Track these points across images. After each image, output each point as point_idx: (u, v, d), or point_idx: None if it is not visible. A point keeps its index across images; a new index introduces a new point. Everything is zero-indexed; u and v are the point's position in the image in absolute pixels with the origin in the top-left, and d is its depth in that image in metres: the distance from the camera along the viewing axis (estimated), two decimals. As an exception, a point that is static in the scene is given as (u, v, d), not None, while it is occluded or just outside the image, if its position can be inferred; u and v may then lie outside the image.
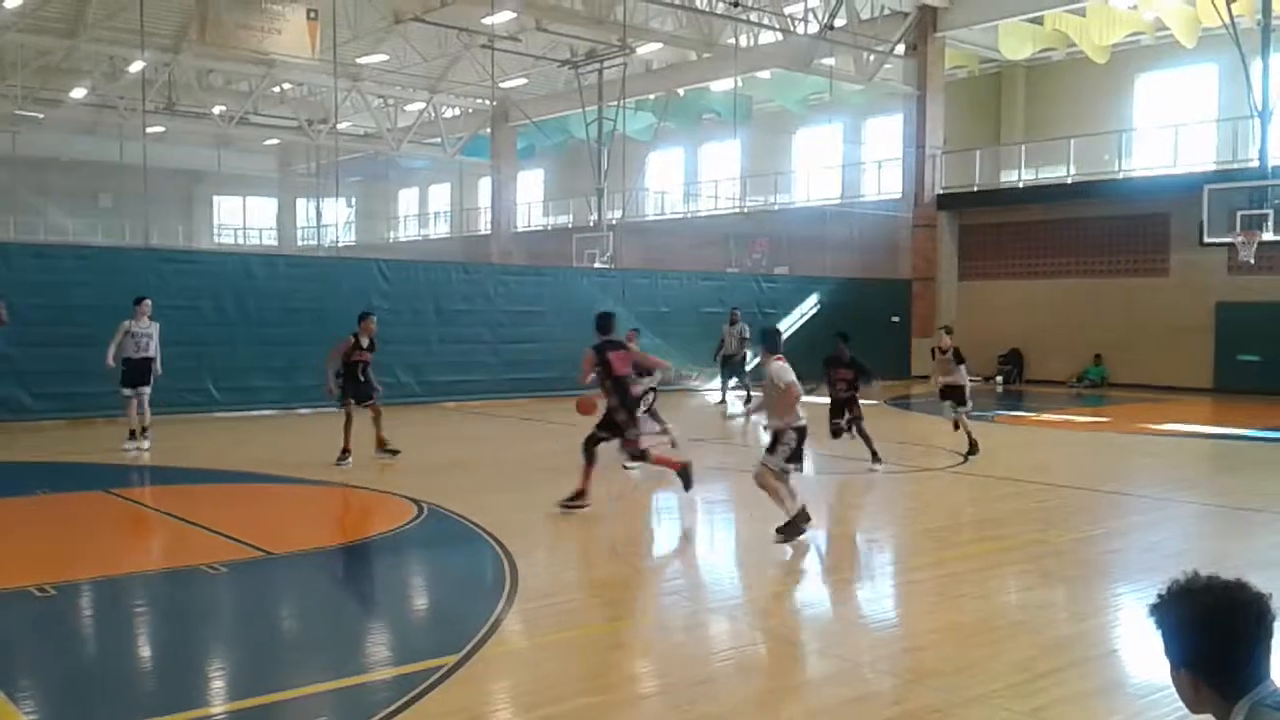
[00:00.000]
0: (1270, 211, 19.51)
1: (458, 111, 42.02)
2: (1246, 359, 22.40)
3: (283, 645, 6.08)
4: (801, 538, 8.11)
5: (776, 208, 34.39)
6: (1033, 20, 26.66)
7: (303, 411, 17.34)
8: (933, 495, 11.20)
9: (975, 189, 28.14)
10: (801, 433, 8.17)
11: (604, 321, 9.70)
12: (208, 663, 5.68)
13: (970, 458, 12.72)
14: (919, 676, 5.34)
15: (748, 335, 19.84)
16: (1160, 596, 2.34)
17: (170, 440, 13.87)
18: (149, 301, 13.40)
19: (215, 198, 52.81)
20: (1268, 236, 19.61)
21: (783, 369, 8.18)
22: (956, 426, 13.15)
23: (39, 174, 42.61)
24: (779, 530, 8.05)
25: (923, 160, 27.92)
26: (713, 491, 10.81)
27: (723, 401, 20.21)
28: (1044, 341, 26.38)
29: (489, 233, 41.49)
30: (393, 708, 4.69)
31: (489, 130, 39.93)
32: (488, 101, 38.24)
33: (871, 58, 27.95)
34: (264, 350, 17.59)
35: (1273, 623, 2.25)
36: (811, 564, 8.22)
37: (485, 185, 43.53)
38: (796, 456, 8.21)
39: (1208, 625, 2.25)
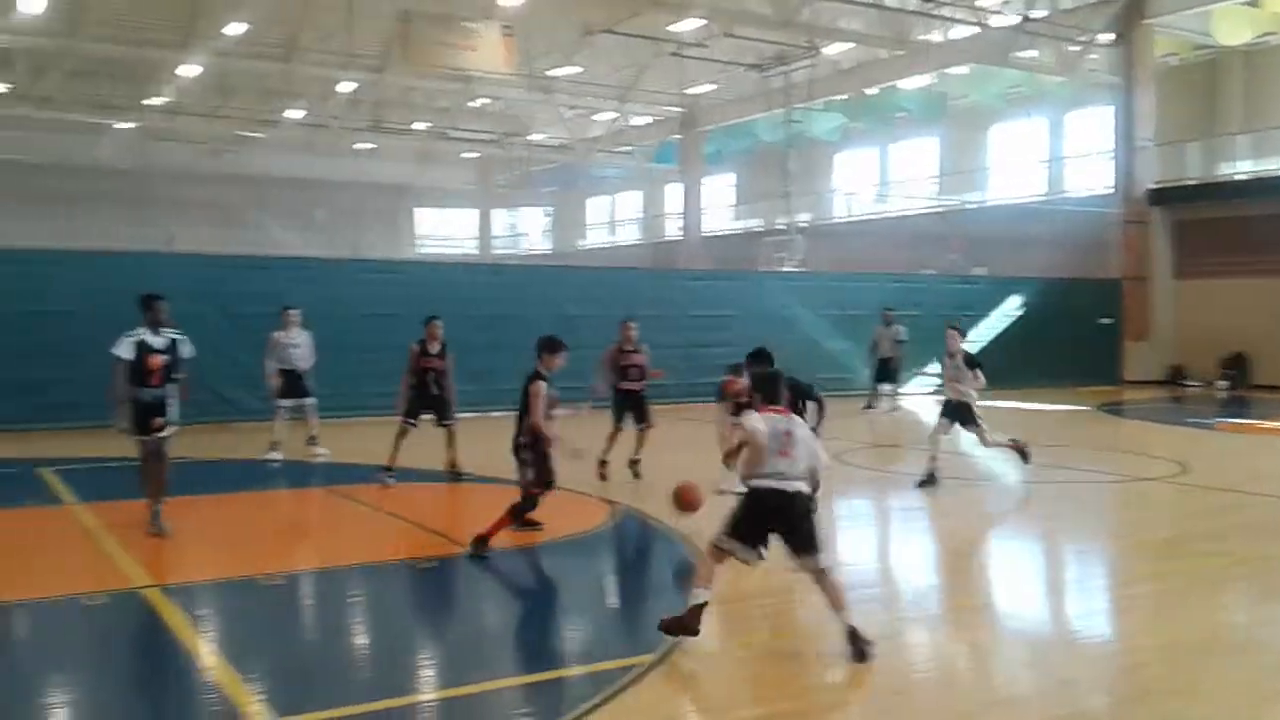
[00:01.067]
0: None
1: (648, 119, 42.57)
2: None
3: (485, 638, 6.27)
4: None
5: (973, 206, 33.30)
6: (1249, 3, 24.88)
7: (496, 415, 17.89)
8: (1148, 506, 10.58)
9: (1191, 183, 26.45)
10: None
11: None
12: (418, 652, 5.94)
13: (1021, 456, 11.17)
14: (1136, 695, 5.06)
15: (903, 338, 19.28)
16: None
17: (375, 442, 14.55)
18: (296, 311, 13.12)
19: (417, 210, 55.21)
20: None
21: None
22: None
23: (259, 191, 45.61)
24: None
25: (1132, 153, 26.44)
26: (909, 499, 10.53)
27: (869, 406, 19.40)
28: (1272, 344, 24.53)
29: (677, 238, 41.80)
30: (590, 704, 4.76)
31: (678, 137, 40.25)
32: (676, 108, 38.59)
33: (1074, 48, 26.70)
34: (462, 356, 18.20)
35: None
36: (1019, 575, 7.89)
37: (674, 191, 43.91)
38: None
39: None
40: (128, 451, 8.55)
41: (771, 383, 5.87)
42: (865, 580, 7.69)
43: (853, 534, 9.66)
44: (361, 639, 6.29)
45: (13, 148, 40.74)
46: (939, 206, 34.04)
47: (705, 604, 5.49)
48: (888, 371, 19.51)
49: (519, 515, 7.81)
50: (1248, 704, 4.86)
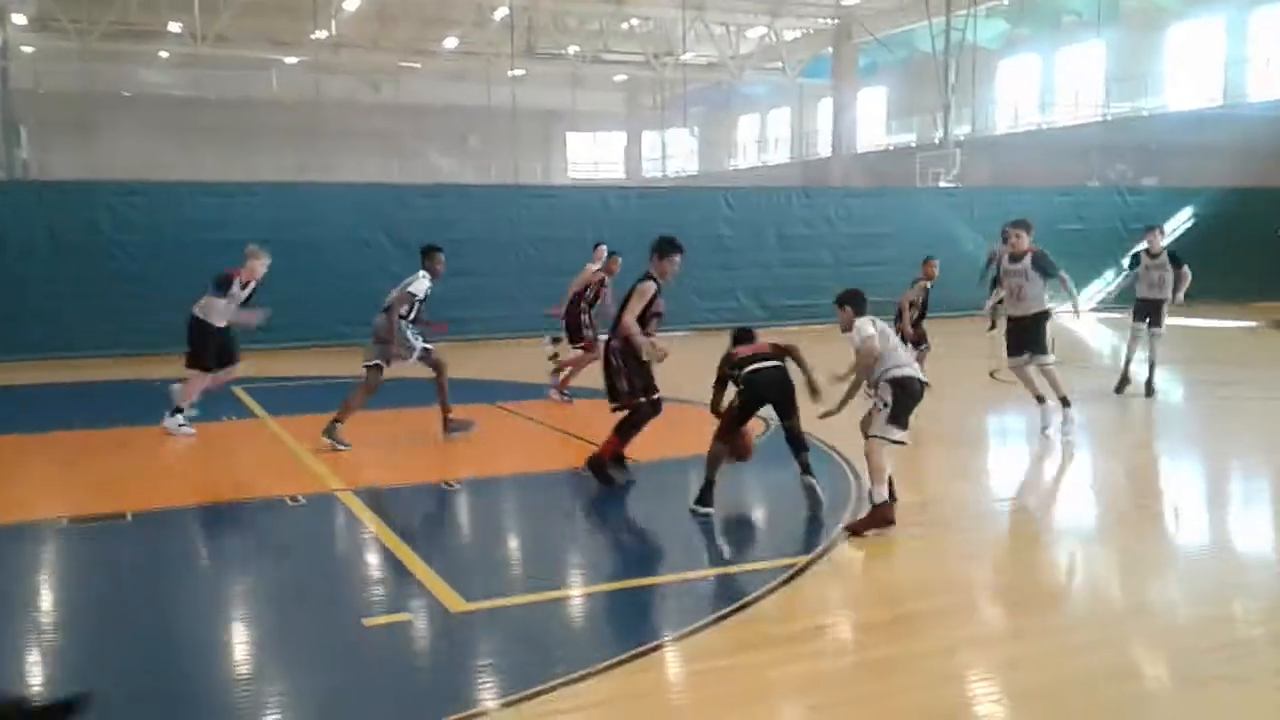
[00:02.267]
0: None
1: (799, 34, 41.74)
2: None
3: (660, 540, 6.71)
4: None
5: (1145, 114, 31.66)
6: None
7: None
8: None
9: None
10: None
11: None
12: (604, 548, 6.44)
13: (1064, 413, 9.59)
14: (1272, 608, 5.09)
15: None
16: None
17: (527, 361, 15.19)
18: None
19: (569, 134, 55.77)
20: None
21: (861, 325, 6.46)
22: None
23: (417, 120, 46.92)
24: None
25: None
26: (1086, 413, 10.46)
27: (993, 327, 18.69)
28: None
29: (829, 155, 41.14)
30: (747, 599, 5.10)
31: (830, 50, 39.40)
32: (829, 21, 37.74)
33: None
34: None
35: None
36: (1172, 488, 7.85)
37: (825, 107, 43.11)
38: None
39: None
40: (307, 370, 9.21)
41: (859, 297, 6.64)
42: (1027, 494, 7.79)
43: (1021, 454, 9.69)
44: (543, 537, 6.79)
45: (188, 85, 42.98)
46: (1108, 115, 32.49)
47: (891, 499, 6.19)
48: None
49: (628, 433, 7.45)
50: None
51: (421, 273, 9.26)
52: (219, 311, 9.48)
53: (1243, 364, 14.47)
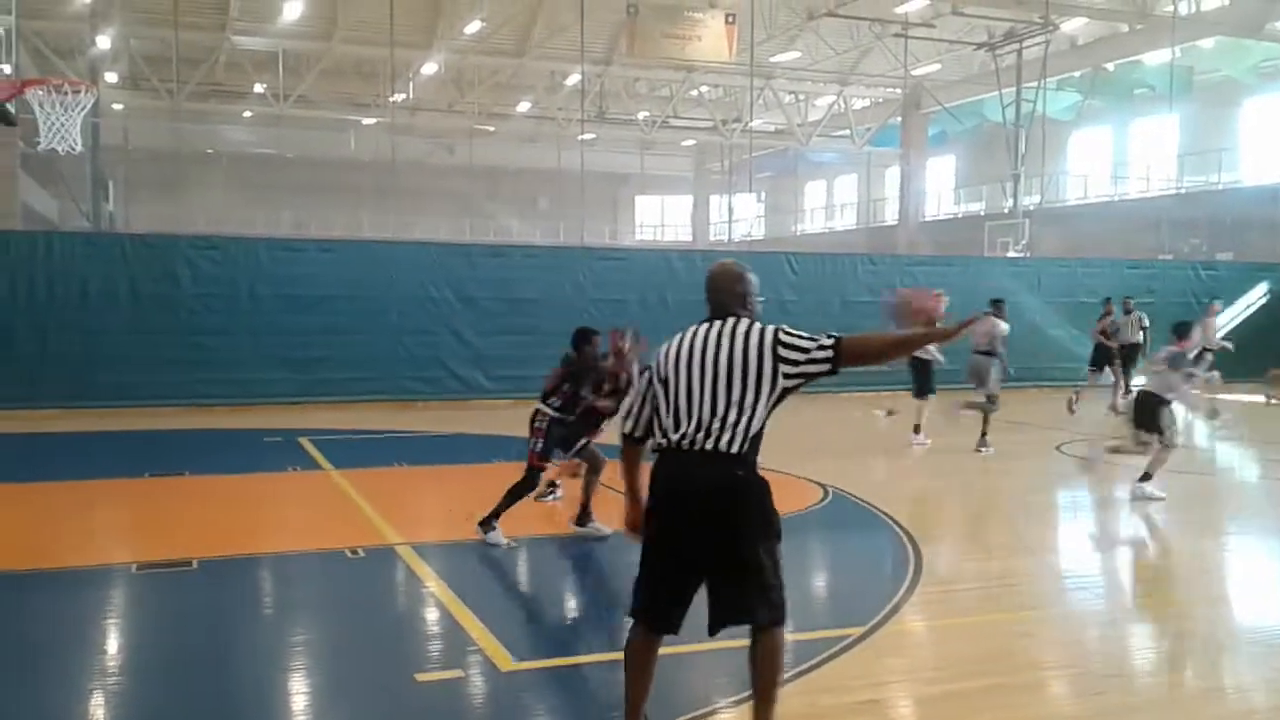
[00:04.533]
0: None
1: (867, 102, 41.97)
2: None
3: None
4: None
5: (1220, 188, 31.23)
6: None
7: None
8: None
9: None
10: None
11: None
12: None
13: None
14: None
15: (1146, 324, 18.08)
16: None
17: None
18: None
19: (637, 198, 56.43)
20: None
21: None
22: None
23: (489, 181, 47.85)
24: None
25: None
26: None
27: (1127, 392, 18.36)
28: None
29: (895, 223, 41.09)
30: (800, 669, 5.06)
31: (898, 119, 39.54)
32: (898, 90, 37.92)
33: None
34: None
35: None
36: (1247, 572, 7.64)
37: (893, 175, 43.16)
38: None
39: None
40: (371, 425, 9.36)
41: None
42: (1085, 570, 7.63)
43: (1078, 527, 9.52)
44: (599, 597, 6.80)
45: (270, 143, 44.36)
46: (1181, 188, 32.09)
47: None
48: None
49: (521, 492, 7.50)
50: None
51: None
52: None
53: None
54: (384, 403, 16.54)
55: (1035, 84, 28.09)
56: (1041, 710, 4.77)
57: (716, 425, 3.77)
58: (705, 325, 4.02)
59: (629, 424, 4.08)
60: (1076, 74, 32.74)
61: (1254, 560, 8.10)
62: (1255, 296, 23.13)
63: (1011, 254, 27.14)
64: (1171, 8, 26.89)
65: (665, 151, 51.88)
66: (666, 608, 3.92)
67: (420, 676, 4.92)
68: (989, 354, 12.35)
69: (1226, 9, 26.08)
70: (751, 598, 3.84)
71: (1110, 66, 32.34)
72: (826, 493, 9.63)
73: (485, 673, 5.01)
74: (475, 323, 17.48)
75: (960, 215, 40.22)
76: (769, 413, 3.83)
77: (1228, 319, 22.41)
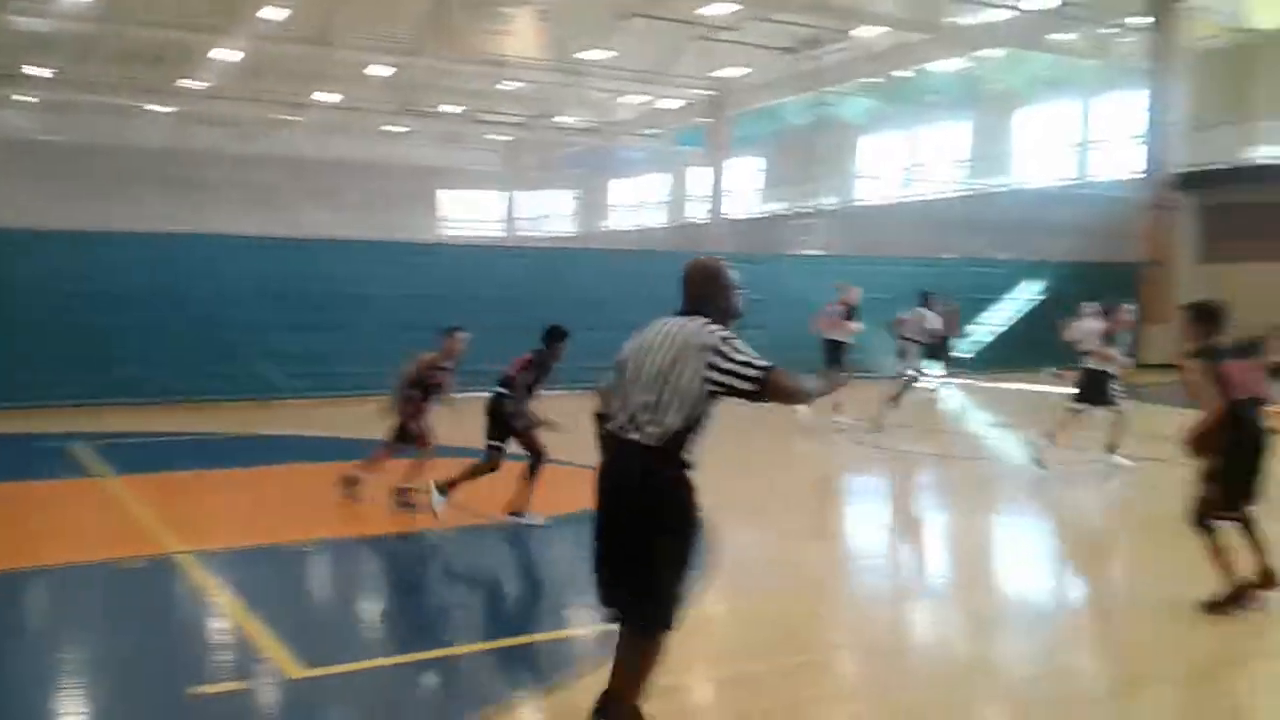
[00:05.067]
0: None
1: (676, 102, 42.72)
2: None
3: (488, 603, 6.62)
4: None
5: (998, 190, 33.27)
6: (1287, -15, 24.71)
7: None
8: (1155, 486, 10.77)
9: (1222, 166, 26.34)
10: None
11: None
12: (424, 614, 6.29)
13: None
14: (1114, 659, 5.32)
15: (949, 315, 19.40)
16: None
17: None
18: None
19: (444, 192, 55.66)
20: None
21: None
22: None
23: (294, 173, 46.15)
24: None
25: (1162, 137, 26.36)
26: (919, 477, 10.81)
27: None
28: (1296, 330, 24.47)
29: (703, 221, 41.98)
30: (594, 660, 5.09)
31: (706, 120, 40.39)
32: (706, 91, 38.72)
33: (1107, 31, 26.60)
34: (491, 336, 18.62)
35: None
36: (1016, 551, 8.16)
37: (700, 174, 44.07)
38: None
39: None
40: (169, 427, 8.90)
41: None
42: (876, 555, 7.97)
43: (869, 512, 9.93)
44: (393, 600, 6.65)
45: (55, 129, 41.51)
46: (966, 191, 34.02)
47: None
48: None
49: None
50: (1206, 666, 5.12)
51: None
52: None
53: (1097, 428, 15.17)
54: (180, 404, 15.70)
55: (834, 89, 29.22)
56: (830, 688, 4.96)
57: (644, 417, 3.82)
58: (667, 320, 4.01)
59: (601, 404, 4.18)
60: (872, 80, 34.20)
61: (1024, 541, 8.66)
62: (1031, 292, 24.77)
63: (811, 252, 28.14)
64: (959, 19, 28.43)
65: (476, 146, 51.33)
66: (602, 586, 3.97)
67: (196, 690, 4.69)
68: (916, 341, 14.81)
69: (1010, 21, 27.76)
70: (630, 592, 3.88)
71: (903, 74, 33.96)
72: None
73: (271, 682, 4.83)
74: (278, 319, 16.76)
75: (765, 214, 41.44)
76: (697, 414, 3.81)
77: (1006, 313, 23.97)
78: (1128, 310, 12.11)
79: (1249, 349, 6.06)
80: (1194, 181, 26.47)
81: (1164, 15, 26.13)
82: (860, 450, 12.26)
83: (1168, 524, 8.75)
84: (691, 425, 3.82)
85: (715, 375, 3.78)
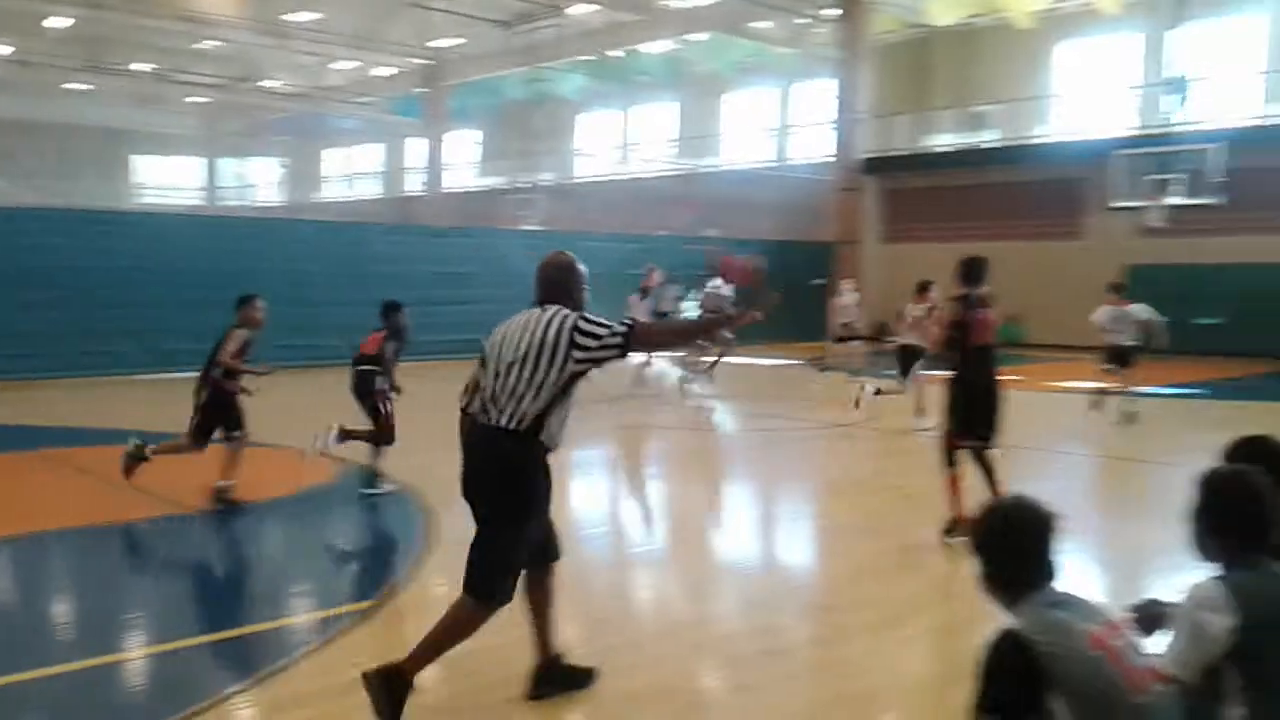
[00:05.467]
0: (1180, 176, 20.23)
1: (389, 71, 41.61)
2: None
3: (200, 596, 6.29)
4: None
5: (706, 171, 34.69)
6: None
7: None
8: (846, 450, 11.65)
9: (901, 153, 28.65)
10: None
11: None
12: (127, 610, 5.89)
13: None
14: (815, 610, 5.74)
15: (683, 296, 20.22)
16: (970, 522, 2.76)
17: (94, 402, 13.88)
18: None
19: (138, 157, 51.73)
20: (1177, 200, 20.35)
21: None
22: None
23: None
24: None
25: (850, 124, 28.35)
26: (635, 447, 11.16)
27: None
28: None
29: (419, 194, 41.28)
30: (306, 649, 4.96)
31: (421, 90, 39.62)
32: (420, 61, 37.94)
33: (801, 21, 28.22)
34: (185, 312, 17.55)
35: (1051, 537, 2.65)
36: (730, 514, 8.60)
37: (416, 146, 43.24)
38: None
39: (995, 539, 2.66)
40: None
41: None
42: (596, 522, 8.17)
43: (590, 484, 10.15)
44: (81, 600, 6.17)
45: None
46: (676, 170, 35.23)
47: None
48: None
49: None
50: (903, 613, 5.63)
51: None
52: None
53: (779, 398, 16.19)
54: None
55: (548, 65, 29.41)
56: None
57: (503, 400, 4.11)
58: (527, 312, 4.27)
59: (464, 398, 4.40)
60: (585, 58, 34.70)
61: (740, 504, 9.15)
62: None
63: (527, 226, 28.29)
64: (667, 2, 29.31)
65: (173, 108, 47.88)
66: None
67: None
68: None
69: (714, 6, 28.89)
70: (470, 562, 4.27)
71: (615, 53, 34.66)
72: (343, 467, 9.48)
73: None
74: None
75: (482, 188, 41.24)
76: (556, 395, 4.10)
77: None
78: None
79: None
80: (877, 167, 28.66)
81: (851, 8, 28.04)
82: (595, 424, 12.49)
83: (874, 482, 9.53)
84: (547, 410, 4.11)
85: (585, 353, 4.08)
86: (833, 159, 29.01)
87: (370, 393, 8.65)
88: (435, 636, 4.22)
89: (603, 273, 24.70)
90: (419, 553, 6.70)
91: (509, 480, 4.16)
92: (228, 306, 8.08)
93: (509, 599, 4.28)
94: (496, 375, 4.17)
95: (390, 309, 8.91)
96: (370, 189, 49.37)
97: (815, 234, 29.08)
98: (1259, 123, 23.07)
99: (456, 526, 7.52)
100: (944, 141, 28.46)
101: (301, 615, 5.73)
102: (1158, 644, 2.97)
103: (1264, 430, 3.61)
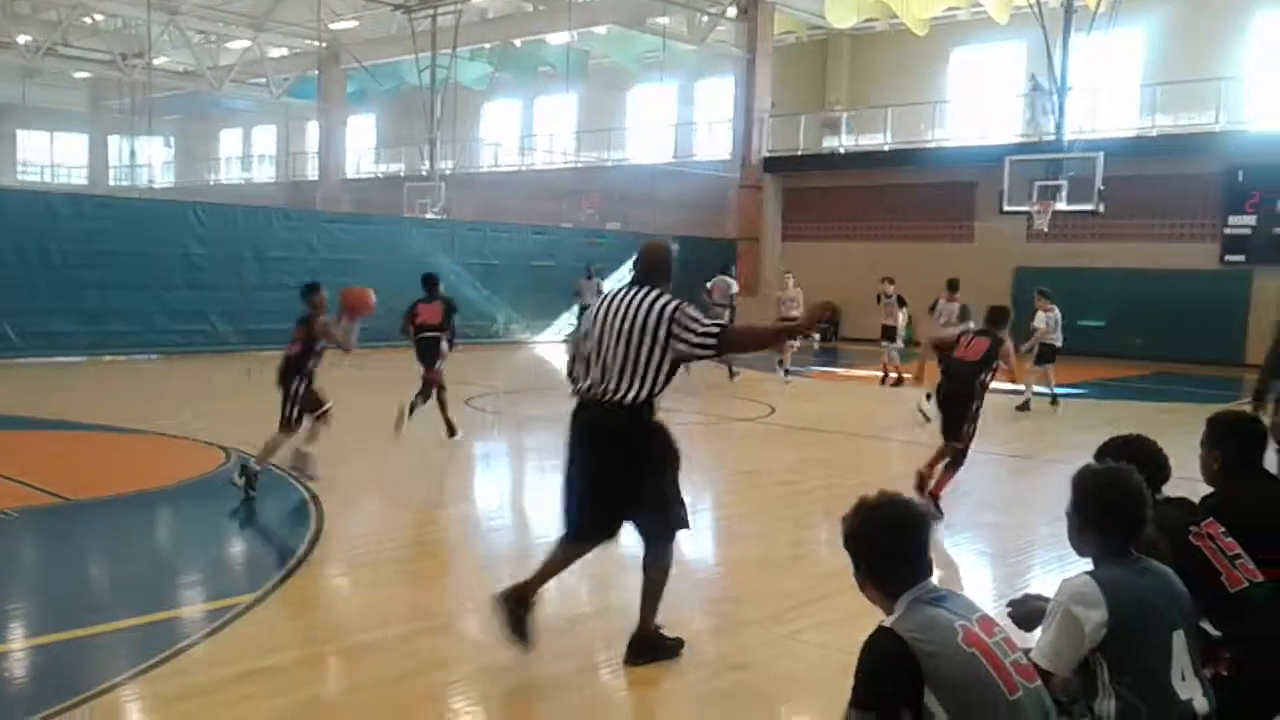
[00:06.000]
0: (1064, 183, 20.88)
1: (285, 52, 40.58)
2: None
3: (80, 587, 6.04)
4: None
5: (610, 164, 34.66)
6: (857, -12, 27.55)
7: (109, 358, 16.76)
8: (739, 444, 11.77)
9: (800, 153, 29.05)
10: None
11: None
12: (7, 602, 5.64)
13: None
14: (701, 603, 5.77)
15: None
16: (842, 519, 2.79)
17: None
18: None
19: (20, 132, 49.58)
20: (1061, 206, 21.00)
21: None
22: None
23: None
24: None
25: (751, 123, 28.63)
26: (538, 439, 11.09)
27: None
28: (860, 301, 27.57)
29: (316, 178, 40.40)
30: (187, 642, 4.81)
31: (317, 72, 38.71)
32: (316, 43, 37.09)
33: (704, 19, 28.40)
34: (69, 294, 16.89)
35: (925, 534, 2.70)
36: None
37: (314, 129, 42.28)
38: None
39: (868, 537, 2.71)
40: None
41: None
42: (492, 513, 8.10)
43: (479, 474, 10.05)
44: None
45: None
46: (579, 162, 35.13)
47: None
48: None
49: None
50: (790, 607, 5.70)
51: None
52: None
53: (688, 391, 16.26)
54: None
55: (448, 51, 29.00)
56: (450, 651, 4.97)
57: (614, 378, 4.53)
58: (625, 290, 4.70)
59: (568, 368, 4.90)
60: (487, 46, 34.32)
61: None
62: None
63: (429, 215, 27.92)
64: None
65: (55, 83, 45.93)
66: (586, 524, 4.83)
67: None
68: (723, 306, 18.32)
69: (616, 1, 28.83)
70: (648, 520, 4.73)
71: (518, 43, 34.36)
72: (228, 456, 9.23)
73: None
74: None
75: (381, 175, 40.55)
76: (662, 374, 4.55)
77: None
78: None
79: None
80: (778, 166, 29.04)
81: (752, 8, 28.32)
82: (478, 417, 12.39)
83: (771, 477, 9.62)
84: (655, 387, 4.56)
85: (683, 345, 4.50)
86: (735, 158, 29.32)
87: (436, 355, 10.26)
88: (651, 589, 4.77)
89: (506, 264, 24.78)
90: (308, 542, 6.56)
91: (636, 443, 4.63)
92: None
93: (685, 525, 4.84)
94: (605, 353, 4.59)
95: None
96: (266, 172, 48.17)
97: (718, 230, 29.33)
98: (1137, 133, 24.00)
99: (354, 517, 7.44)
100: (843, 143, 28.94)
101: (190, 606, 5.56)
102: (1034, 639, 3.06)
103: (1143, 429, 3.75)
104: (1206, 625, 3.16)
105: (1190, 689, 2.90)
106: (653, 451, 4.70)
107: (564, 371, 4.97)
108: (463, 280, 22.56)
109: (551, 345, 23.52)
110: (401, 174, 37.24)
